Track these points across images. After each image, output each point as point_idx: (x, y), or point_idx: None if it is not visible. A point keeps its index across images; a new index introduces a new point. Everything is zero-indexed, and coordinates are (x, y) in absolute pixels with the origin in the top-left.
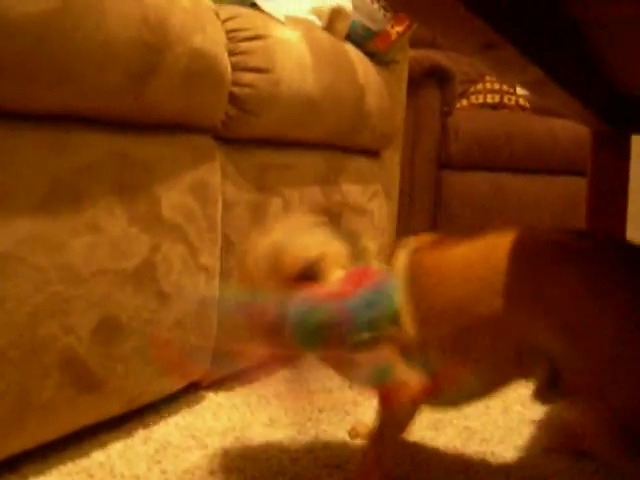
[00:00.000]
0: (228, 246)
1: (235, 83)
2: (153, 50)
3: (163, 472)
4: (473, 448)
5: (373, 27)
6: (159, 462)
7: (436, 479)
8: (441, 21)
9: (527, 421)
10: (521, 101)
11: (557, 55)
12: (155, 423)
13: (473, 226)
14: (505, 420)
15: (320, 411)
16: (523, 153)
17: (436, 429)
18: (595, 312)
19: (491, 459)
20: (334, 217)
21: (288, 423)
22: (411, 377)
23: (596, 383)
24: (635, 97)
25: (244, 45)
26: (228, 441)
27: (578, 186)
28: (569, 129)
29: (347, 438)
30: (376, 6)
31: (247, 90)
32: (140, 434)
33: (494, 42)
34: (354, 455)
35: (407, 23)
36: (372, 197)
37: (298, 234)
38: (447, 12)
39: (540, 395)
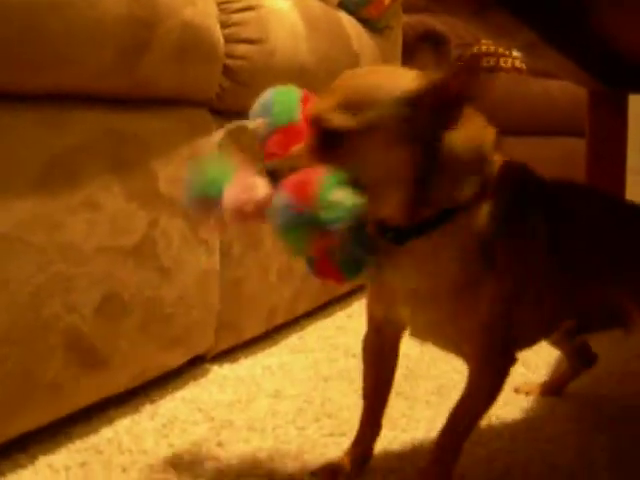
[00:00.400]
0: None
1: (228, 55)
2: (144, 25)
3: (170, 446)
4: None
5: None
6: (166, 436)
7: None
8: None
9: (531, 383)
10: (517, 63)
11: (550, 17)
12: (161, 397)
13: None
14: (509, 383)
15: (325, 380)
16: (521, 116)
17: (440, 394)
18: None
19: (496, 422)
20: None
21: (294, 394)
22: None
23: None
24: (630, 56)
25: (236, 16)
26: (234, 413)
27: (577, 147)
28: (566, 90)
29: (352, 406)
30: None
31: (240, 62)
32: (147, 409)
33: (486, 6)
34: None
35: None
36: None
37: None
38: None
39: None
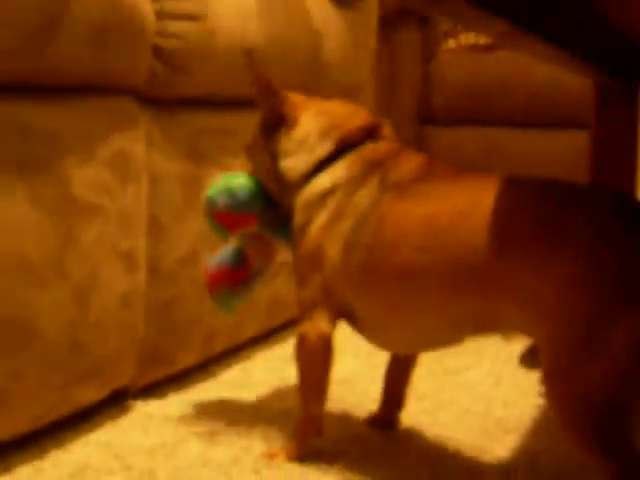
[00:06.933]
0: (157, 229)
1: (160, 34)
2: (56, 0)
3: None
4: None
5: None
6: None
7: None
8: None
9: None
10: (481, 40)
11: (530, 3)
12: (71, 441)
13: None
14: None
15: (269, 422)
16: (522, 104)
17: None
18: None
19: (446, 442)
20: None
21: (230, 439)
22: None
23: (560, 364)
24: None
25: None
26: (157, 461)
27: (587, 141)
28: (577, 75)
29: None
30: None
31: (175, 42)
32: (53, 455)
33: None
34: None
35: None
36: None
37: None
38: None
39: (525, 361)
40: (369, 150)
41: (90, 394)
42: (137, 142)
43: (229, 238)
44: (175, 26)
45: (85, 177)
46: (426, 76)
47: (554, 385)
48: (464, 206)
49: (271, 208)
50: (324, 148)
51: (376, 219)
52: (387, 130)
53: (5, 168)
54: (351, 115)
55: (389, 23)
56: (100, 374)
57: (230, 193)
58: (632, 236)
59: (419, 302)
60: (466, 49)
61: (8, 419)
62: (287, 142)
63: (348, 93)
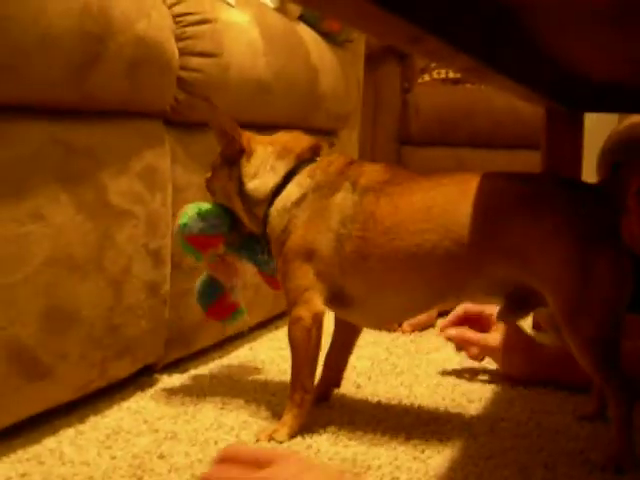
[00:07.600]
0: None
1: (183, 67)
2: (95, 40)
3: (112, 458)
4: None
5: None
6: (109, 447)
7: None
8: (361, 21)
9: None
10: (451, 74)
11: (490, 42)
12: (107, 408)
13: None
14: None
15: (273, 393)
16: (484, 128)
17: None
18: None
19: (435, 438)
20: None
21: (240, 406)
22: None
23: (570, 314)
24: (583, 77)
25: (191, 29)
26: (179, 425)
27: (539, 160)
28: (530, 104)
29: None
30: None
31: (195, 74)
32: (92, 420)
33: (418, 36)
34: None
35: None
36: None
37: None
38: (363, 12)
39: (503, 316)
40: (324, 163)
41: (123, 369)
42: (163, 158)
43: (202, 259)
44: (195, 61)
45: (120, 187)
46: (405, 104)
47: (571, 329)
48: (453, 194)
49: (235, 229)
50: (285, 166)
51: (364, 216)
52: (325, 148)
53: (53, 179)
54: (296, 139)
55: (373, 60)
56: (132, 352)
57: (202, 218)
58: (585, 199)
59: (414, 275)
60: (438, 82)
61: (55, 390)
62: (249, 168)
63: (339, 118)
